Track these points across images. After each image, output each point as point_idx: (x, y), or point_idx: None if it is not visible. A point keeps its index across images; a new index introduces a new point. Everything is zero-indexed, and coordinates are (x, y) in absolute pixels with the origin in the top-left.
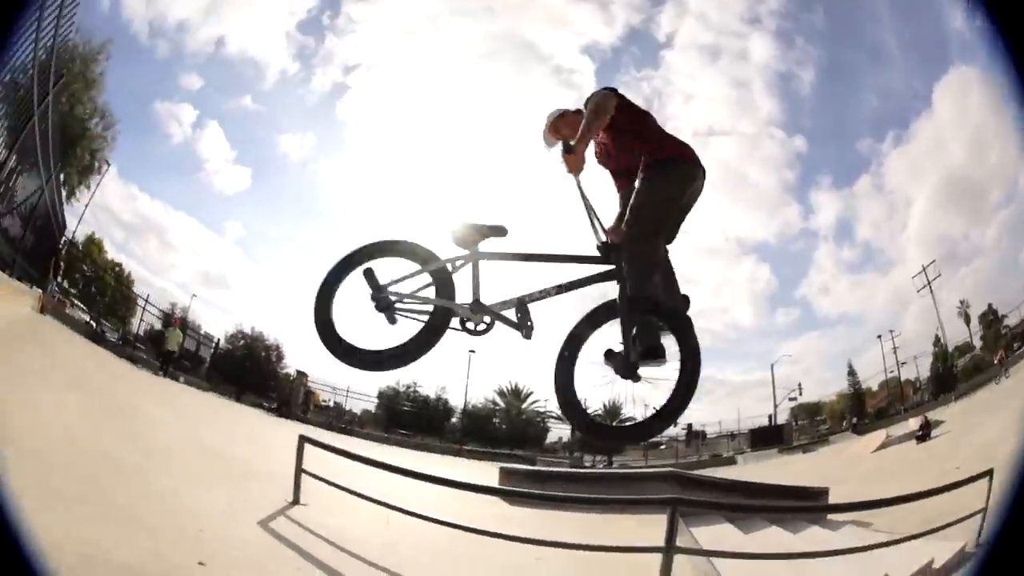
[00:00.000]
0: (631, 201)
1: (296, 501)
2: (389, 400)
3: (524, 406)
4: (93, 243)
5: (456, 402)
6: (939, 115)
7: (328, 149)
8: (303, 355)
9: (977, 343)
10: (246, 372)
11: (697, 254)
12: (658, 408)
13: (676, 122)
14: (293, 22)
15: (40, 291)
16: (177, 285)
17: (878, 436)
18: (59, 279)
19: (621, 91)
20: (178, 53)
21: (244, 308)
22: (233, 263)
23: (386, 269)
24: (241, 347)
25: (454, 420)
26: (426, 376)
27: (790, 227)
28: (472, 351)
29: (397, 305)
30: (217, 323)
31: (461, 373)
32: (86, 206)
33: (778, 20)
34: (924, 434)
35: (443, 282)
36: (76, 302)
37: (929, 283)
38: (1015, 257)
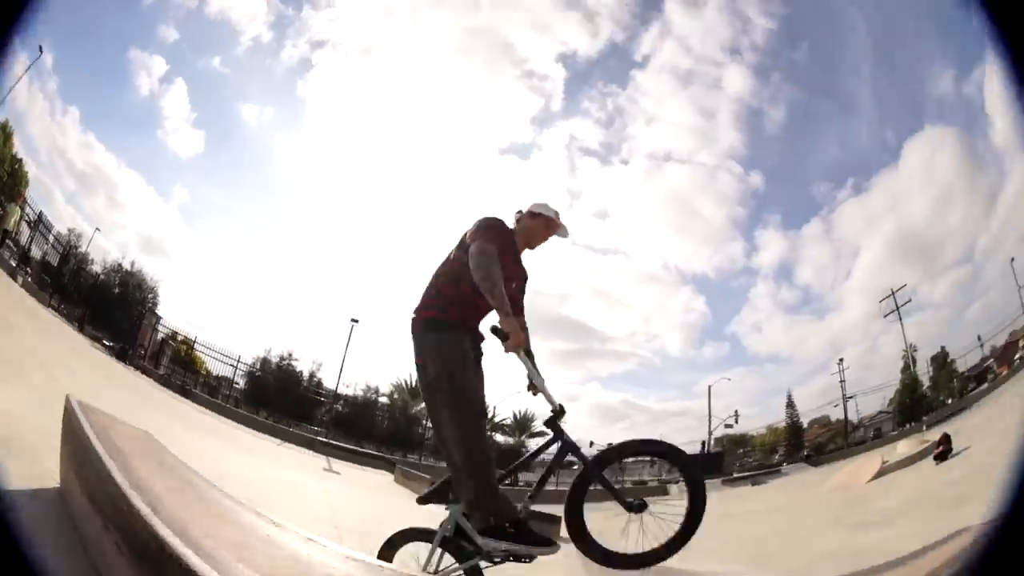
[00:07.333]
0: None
1: None
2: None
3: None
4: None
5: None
6: (905, 170)
7: (285, 125)
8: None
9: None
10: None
11: (636, 279)
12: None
13: (633, 143)
14: None
15: None
16: (118, 246)
17: (867, 463)
18: None
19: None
20: (163, 2)
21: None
22: (174, 230)
23: None
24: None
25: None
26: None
27: (733, 263)
28: (355, 320)
29: None
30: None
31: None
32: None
33: (760, 55)
34: (944, 450)
35: None
36: None
37: (898, 308)
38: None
